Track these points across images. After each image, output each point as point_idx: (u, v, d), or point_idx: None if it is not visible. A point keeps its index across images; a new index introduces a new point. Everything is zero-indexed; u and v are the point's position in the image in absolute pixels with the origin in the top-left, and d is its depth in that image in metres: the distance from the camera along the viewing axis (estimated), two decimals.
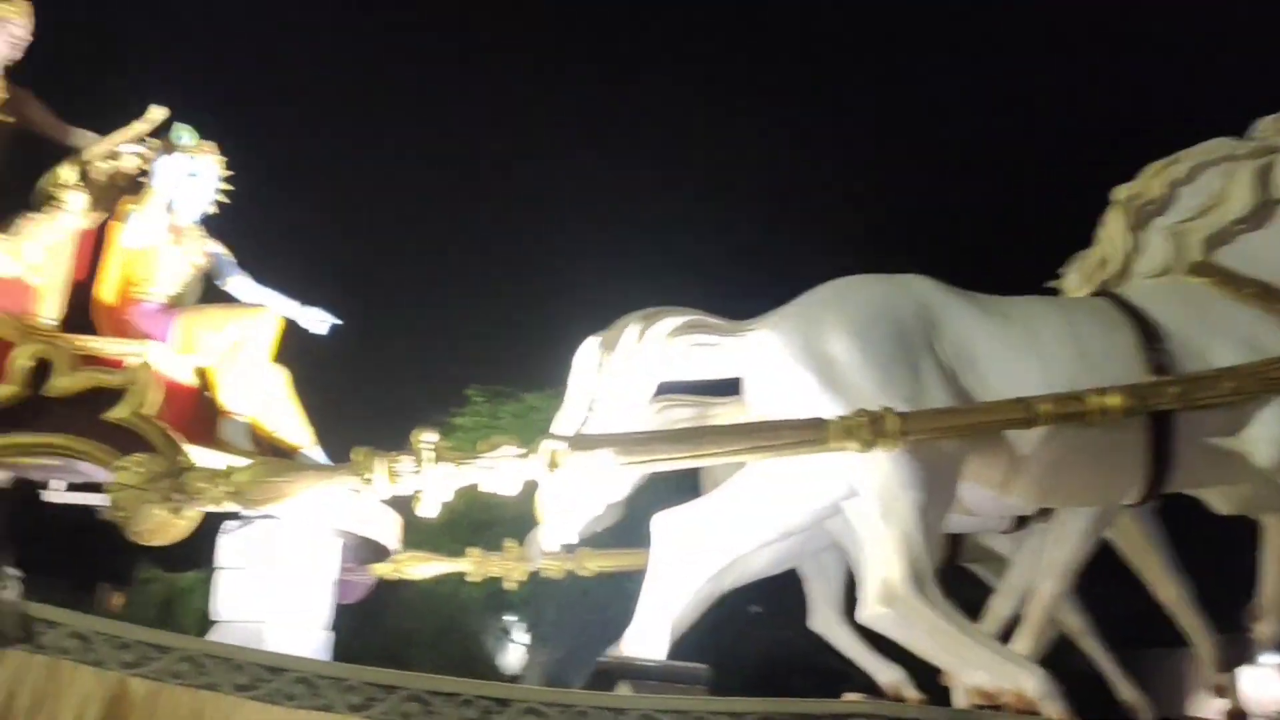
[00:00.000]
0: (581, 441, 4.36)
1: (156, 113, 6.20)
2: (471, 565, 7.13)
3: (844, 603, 5.76)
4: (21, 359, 4.61)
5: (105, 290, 5.97)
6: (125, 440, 4.55)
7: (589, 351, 4.82)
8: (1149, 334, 4.74)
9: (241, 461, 4.54)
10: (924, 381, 4.52)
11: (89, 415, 4.58)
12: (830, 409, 4.40)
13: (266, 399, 6.05)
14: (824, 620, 5.88)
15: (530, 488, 4.47)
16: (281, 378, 6.23)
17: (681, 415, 5.34)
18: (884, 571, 4.38)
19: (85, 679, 3.85)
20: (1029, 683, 4.21)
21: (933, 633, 4.34)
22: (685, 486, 5.37)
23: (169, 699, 3.85)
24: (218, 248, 6.46)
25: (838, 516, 4.75)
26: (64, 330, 5.73)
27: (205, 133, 6.46)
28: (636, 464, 4.39)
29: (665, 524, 4.87)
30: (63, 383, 4.60)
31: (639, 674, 4.40)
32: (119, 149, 6.12)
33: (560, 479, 4.34)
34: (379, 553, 6.66)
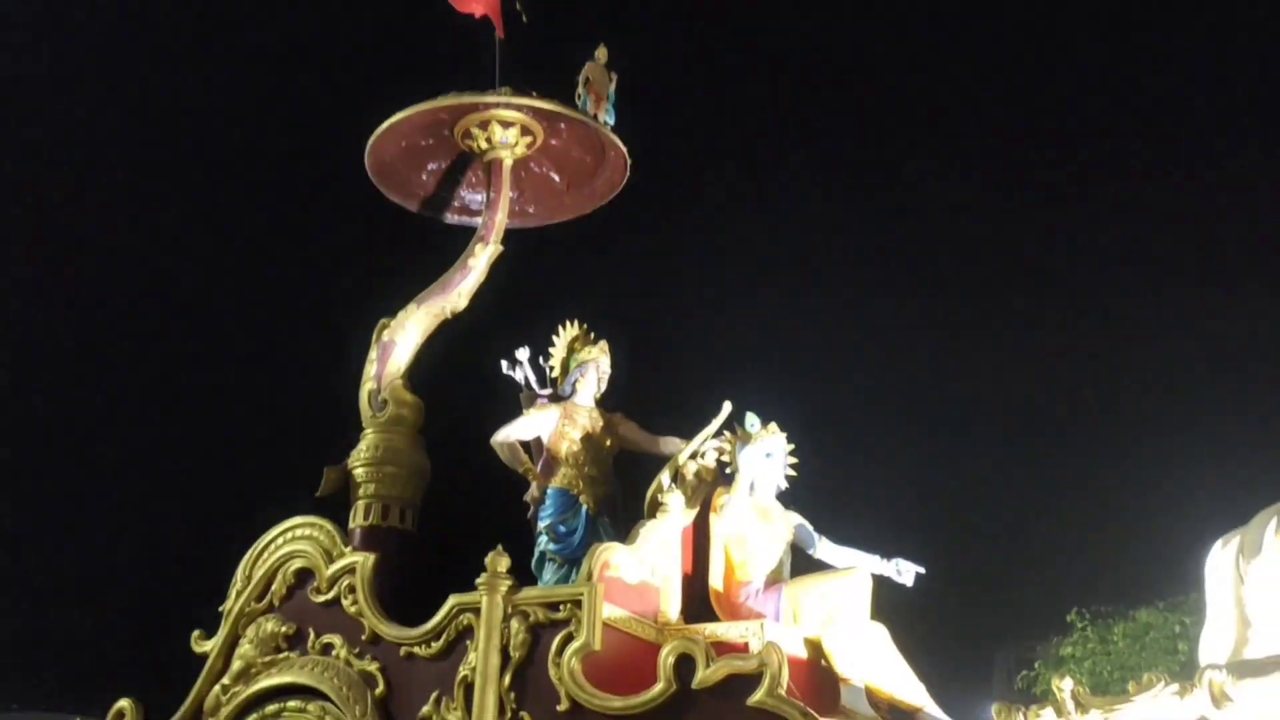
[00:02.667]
0: (1250, 668, 3.88)
1: (727, 406, 6.81)
2: None
3: None
4: (669, 656, 5.08)
5: (714, 578, 6.46)
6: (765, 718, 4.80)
7: (1223, 557, 4.36)
8: None
9: None
10: None
11: (730, 700, 4.89)
12: None
13: (875, 659, 6.09)
14: None
15: None
16: (883, 633, 6.26)
17: None
18: None
19: None
20: None
21: None
22: None
23: None
24: (797, 518, 6.79)
25: None
26: (685, 622, 6.24)
27: (768, 414, 7.00)
28: None
29: None
30: (705, 674, 4.98)
31: None
32: (702, 447, 6.77)
33: (1232, 715, 3.87)
34: None
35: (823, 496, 7.26)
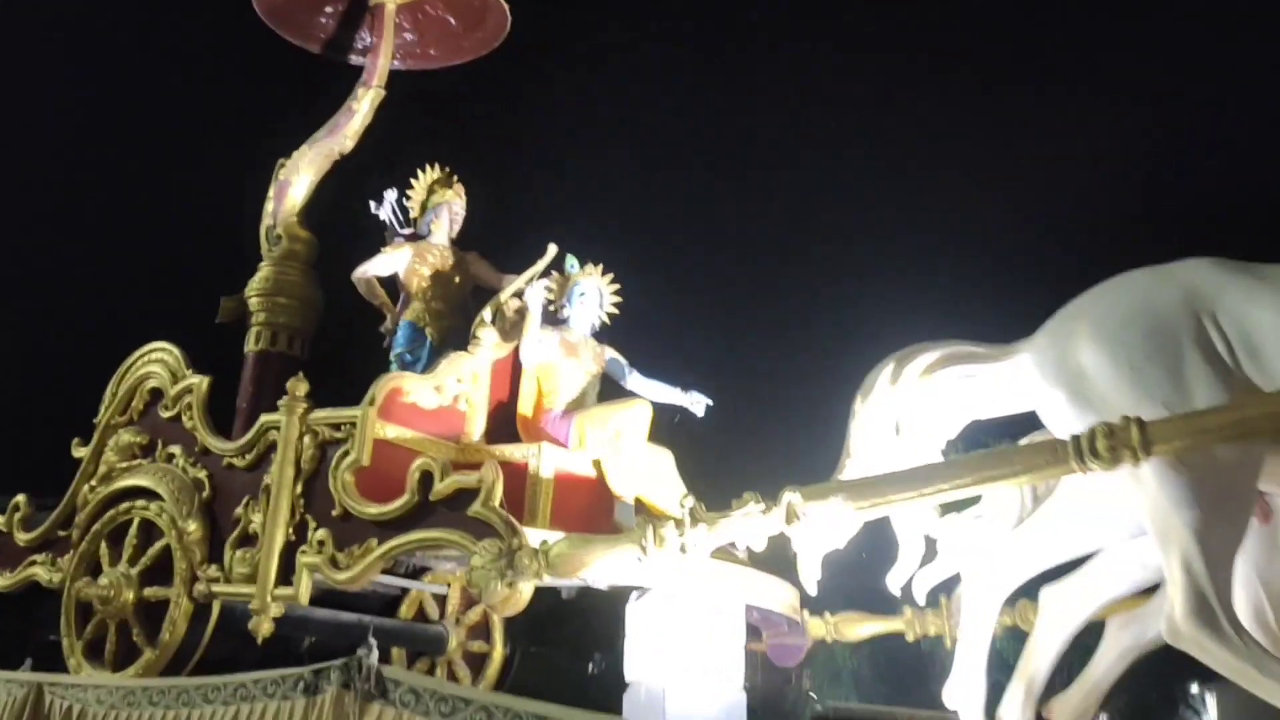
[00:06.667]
0: (814, 492, 4.41)
1: (551, 249, 7.30)
2: (905, 624, 7.12)
3: None
4: (414, 472, 5.78)
5: (523, 405, 7.11)
6: (488, 531, 5.48)
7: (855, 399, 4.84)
8: None
9: (555, 538, 5.22)
10: (1188, 382, 3.92)
11: (458, 510, 5.60)
12: (1082, 425, 3.99)
13: (649, 478, 6.70)
14: None
15: None
16: (667, 459, 6.87)
17: None
18: (1169, 606, 3.81)
19: None
20: None
21: (1228, 667, 3.69)
22: None
23: None
24: (612, 354, 7.34)
25: None
26: (489, 443, 6.92)
27: (595, 256, 7.47)
28: (869, 508, 4.32)
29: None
30: (439, 488, 5.68)
31: None
32: (524, 285, 7.30)
33: (802, 530, 4.42)
34: (791, 622, 6.95)
35: (646, 338, 7.80)
